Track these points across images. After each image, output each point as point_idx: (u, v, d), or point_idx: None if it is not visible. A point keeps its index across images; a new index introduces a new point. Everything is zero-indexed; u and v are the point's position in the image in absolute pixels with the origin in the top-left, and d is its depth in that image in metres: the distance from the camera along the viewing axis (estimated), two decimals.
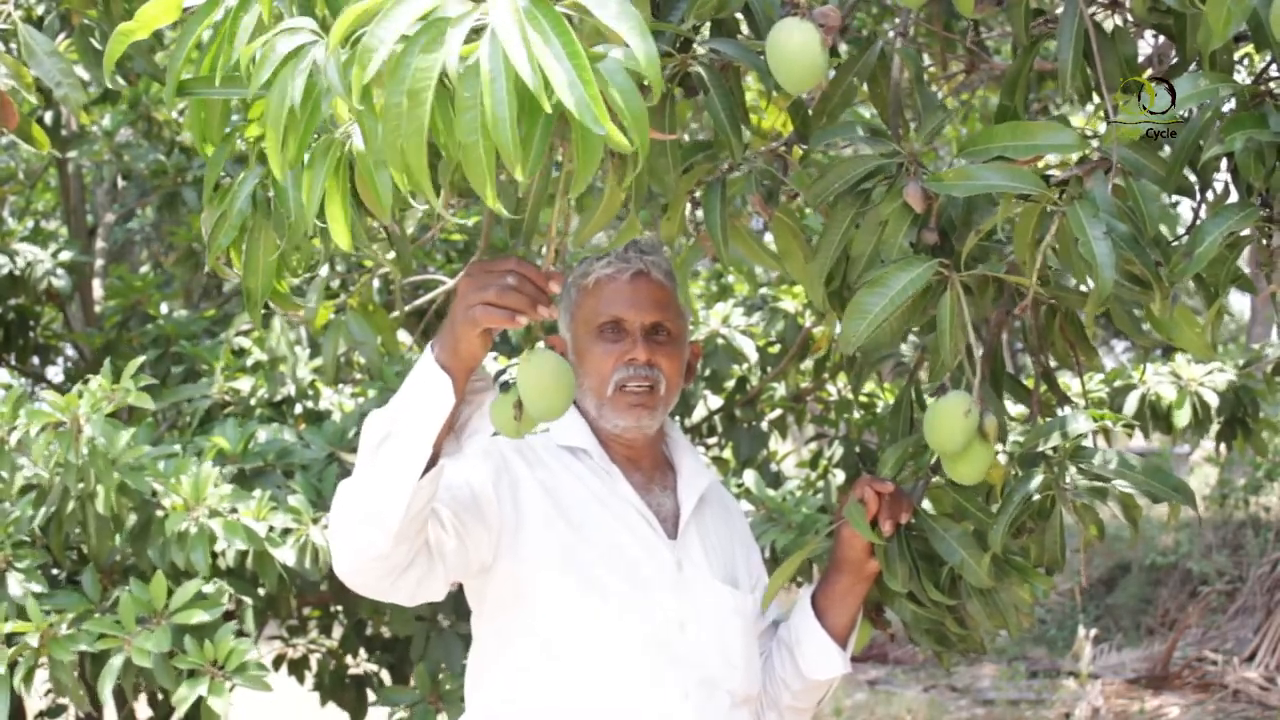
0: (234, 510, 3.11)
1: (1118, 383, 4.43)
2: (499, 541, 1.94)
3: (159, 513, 3.10)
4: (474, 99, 1.19)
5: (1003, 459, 2.06)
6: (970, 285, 1.70)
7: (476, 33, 1.19)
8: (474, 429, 1.79)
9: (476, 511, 1.91)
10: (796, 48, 1.52)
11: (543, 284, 1.62)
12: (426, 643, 3.74)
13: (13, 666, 2.84)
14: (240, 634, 3.08)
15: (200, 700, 2.87)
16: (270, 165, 1.38)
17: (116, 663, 2.85)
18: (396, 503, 1.68)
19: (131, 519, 3.10)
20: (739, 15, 1.80)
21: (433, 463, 1.71)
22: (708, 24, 1.78)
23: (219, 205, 1.61)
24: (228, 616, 3.14)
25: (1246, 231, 1.54)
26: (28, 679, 2.86)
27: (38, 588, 2.96)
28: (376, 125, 1.29)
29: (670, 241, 1.83)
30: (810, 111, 1.86)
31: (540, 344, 1.64)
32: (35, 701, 4.13)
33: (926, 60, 3.29)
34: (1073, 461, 1.93)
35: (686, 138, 1.92)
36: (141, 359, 3.09)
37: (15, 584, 2.95)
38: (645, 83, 1.25)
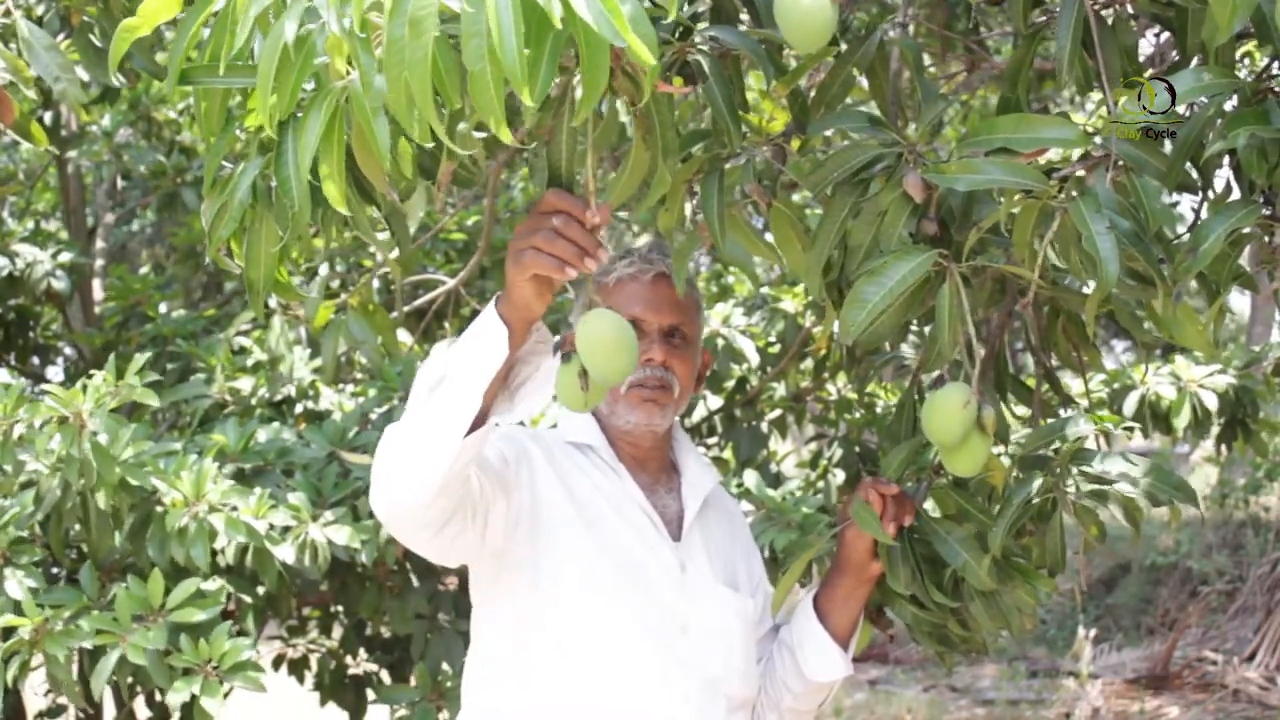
0: (234, 508, 3.10)
1: (1118, 384, 4.42)
2: (515, 525, 1.94)
3: (159, 508, 3.09)
4: (478, 22, 1.14)
5: (1005, 460, 2.06)
6: (968, 276, 1.69)
7: None
8: (529, 392, 1.77)
9: (502, 486, 1.91)
10: (807, 4, 1.52)
11: (582, 216, 1.57)
12: (426, 641, 3.73)
13: (7, 661, 2.83)
14: (240, 633, 3.07)
15: (194, 700, 2.86)
16: (260, 119, 1.32)
17: (110, 659, 2.85)
18: (443, 453, 1.67)
19: (131, 516, 3.09)
20: (739, 2, 1.79)
21: (483, 420, 1.70)
22: (708, 12, 1.77)
23: (219, 196, 1.59)
24: (227, 616, 3.13)
25: (1248, 229, 1.53)
26: (22, 672, 2.85)
27: (35, 583, 2.95)
28: (375, 64, 1.23)
29: (668, 233, 1.82)
30: (809, 101, 1.85)
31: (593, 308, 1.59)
32: (35, 702, 4.13)
33: (926, 60, 3.28)
34: (1074, 464, 1.93)
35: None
36: (149, 355, 3.08)
37: (13, 581, 2.94)
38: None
